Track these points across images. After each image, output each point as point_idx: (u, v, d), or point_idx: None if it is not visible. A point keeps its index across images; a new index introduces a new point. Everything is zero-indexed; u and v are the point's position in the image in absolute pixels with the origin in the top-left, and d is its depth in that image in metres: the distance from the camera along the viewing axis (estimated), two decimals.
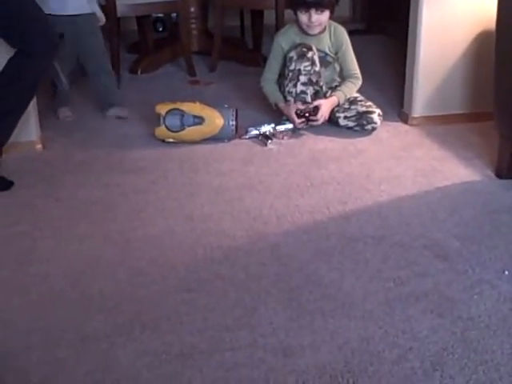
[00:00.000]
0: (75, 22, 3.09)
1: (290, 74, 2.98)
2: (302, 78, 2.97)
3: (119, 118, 3.22)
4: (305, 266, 1.95)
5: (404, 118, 3.19)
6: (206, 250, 2.05)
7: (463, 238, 2.11)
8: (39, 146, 2.90)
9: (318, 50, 3.03)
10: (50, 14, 2.79)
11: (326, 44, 3.09)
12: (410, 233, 2.14)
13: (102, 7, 3.72)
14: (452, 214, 2.26)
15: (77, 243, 2.11)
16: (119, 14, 3.78)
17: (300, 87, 2.98)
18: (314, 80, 3.01)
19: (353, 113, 3.03)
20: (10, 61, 2.46)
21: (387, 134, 3.03)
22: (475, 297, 1.80)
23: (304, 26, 3.01)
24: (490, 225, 2.20)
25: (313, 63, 2.97)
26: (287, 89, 3.01)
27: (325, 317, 1.72)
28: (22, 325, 1.72)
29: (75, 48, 3.15)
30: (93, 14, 3.16)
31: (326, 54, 3.09)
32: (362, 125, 3.01)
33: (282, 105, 3.04)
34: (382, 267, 1.94)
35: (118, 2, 3.74)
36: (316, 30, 3.02)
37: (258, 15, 4.52)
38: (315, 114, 2.97)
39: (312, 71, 2.98)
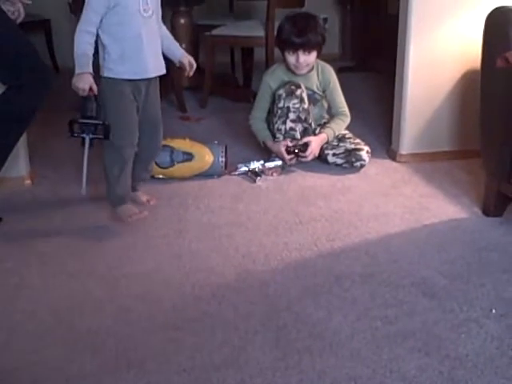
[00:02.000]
0: (149, 87, 2.43)
1: (279, 111, 3.02)
2: (291, 116, 3.00)
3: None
4: (293, 305, 1.95)
5: (392, 154, 3.22)
6: (194, 288, 2.05)
7: (451, 275, 2.11)
8: (28, 182, 2.91)
9: (306, 88, 3.07)
10: (120, 79, 2.35)
11: (314, 82, 3.13)
12: (398, 271, 2.15)
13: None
14: (440, 252, 2.27)
15: (64, 280, 2.10)
16: None
17: (289, 124, 3.01)
18: (303, 117, 3.04)
19: (341, 150, 3.06)
20: (2, 95, 2.47)
21: (376, 170, 3.05)
22: (463, 336, 1.80)
23: (292, 67, 3.06)
24: (478, 262, 2.21)
25: (301, 101, 3.01)
26: (276, 126, 3.04)
27: (312, 356, 1.71)
28: (7, 363, 1.70)
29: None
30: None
31: (314, 92, 3.13)
32: (350, 162, 3.04)
33: (269, 143, 3.08)
34: (369, 305, 1.94)
35: None
36: (304, 70, 3.07)
37: (248, 52, 4.59)
38: (304, 151, 3.00)
39: (301, 108, 3.01)
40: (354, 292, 2.02)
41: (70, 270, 2.17)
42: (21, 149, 2.81)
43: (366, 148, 3.06)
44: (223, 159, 2.95)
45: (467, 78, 3.04)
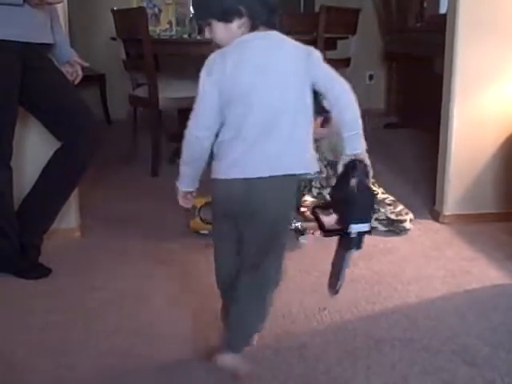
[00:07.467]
0: None
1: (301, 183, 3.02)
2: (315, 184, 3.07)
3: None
4: (331, 368, 1.95)
5: (435, 215, 3.21)
6: None
7: (492, 343, 2.09)
8: (78, 234, 3.01)
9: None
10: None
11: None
12: (438, 336, 2.13)
13: (144, 100, 3.87)
14: (481, 318, 2.25)
15: (107, 336, 2.15)
16: (161, 108, 3.93)
17: (315, 190, 3.06)
18: (324, 184, 3.06)
19: (383, 216, 3.02)
20: (56, 153, 2.59)
21: (418, 232, 3.05)
22: None
23: None
24: None
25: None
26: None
27: None
28: None
29: None
30: None
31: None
32: (393, 230, 3.01)
33: None
34: (408, 372, 1.93)
35: (160, 96, 3.91)
36: None
37: None
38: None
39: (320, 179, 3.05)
40: (392, 357, 2.01)
41: (112, 326, 2.20)
42: (72, 201, 2.90)
43: (409, 217, 3.02)
44: None
45: (511, 141, 3.04)
